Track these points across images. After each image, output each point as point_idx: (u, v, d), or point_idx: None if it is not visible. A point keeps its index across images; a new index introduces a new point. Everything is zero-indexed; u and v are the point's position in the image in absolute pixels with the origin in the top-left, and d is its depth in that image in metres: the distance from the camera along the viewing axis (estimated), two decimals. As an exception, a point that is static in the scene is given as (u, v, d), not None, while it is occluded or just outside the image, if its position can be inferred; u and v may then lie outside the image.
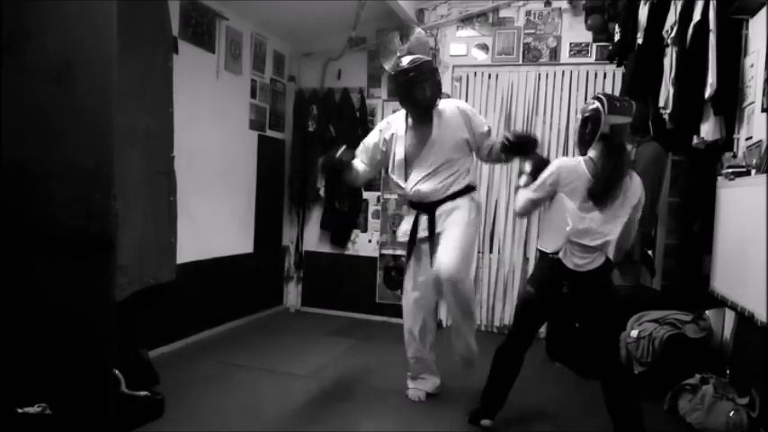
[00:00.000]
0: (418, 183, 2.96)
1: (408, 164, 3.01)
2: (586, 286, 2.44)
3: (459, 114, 2.98)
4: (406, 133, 3.03)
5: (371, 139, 3.15)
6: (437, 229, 2.93)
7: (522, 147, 2.79)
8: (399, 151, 3.02)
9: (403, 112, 3.08)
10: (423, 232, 2.98)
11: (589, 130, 2.43)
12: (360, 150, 3.15)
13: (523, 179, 2.69)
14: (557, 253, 2.45)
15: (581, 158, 2.46)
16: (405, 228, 3.09)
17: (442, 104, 3.01)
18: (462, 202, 2.96)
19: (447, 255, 2.80)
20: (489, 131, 3.06)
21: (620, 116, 2.39)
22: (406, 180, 3.01)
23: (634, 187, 2.43)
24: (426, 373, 3.16)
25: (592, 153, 2.43)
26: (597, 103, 2.41)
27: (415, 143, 3.00)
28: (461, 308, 2.93)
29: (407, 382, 3.17)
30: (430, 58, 3.06)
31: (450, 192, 2.94)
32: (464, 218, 2.91)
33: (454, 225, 2.89)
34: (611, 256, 2.43)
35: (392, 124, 3.10)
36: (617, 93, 4.22)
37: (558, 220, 2.46)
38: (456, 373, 3.31)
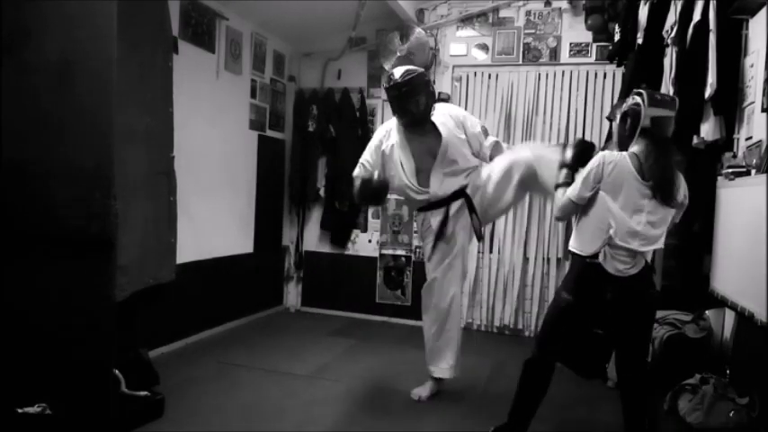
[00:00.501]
0: (440, 186, 3.04)
1: (420, 170, 3.07)
2: (628, 292, 2.25)
3: (452, 118, 3.07)
4: (407, 143, 3.07)
5: (374, 144, 3.16)
6: (449, 229, 3.06)
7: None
8: (407, 160, 3.06)
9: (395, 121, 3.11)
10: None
11: (629, 125, 2.28)
12: (366, 158, 3.14)
13: (563, 174, 2.44)
14: (595, 256, 2.25)
15: (624, 153, 2.25)
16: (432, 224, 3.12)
17: (436, 112, 3.08)
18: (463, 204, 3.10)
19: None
20: (485, 130, 3.14)
21: (661, 109, 2.24)
22: (422, 185, 3.06)
23: (680, 183, 2.27)
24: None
25: (635, 148, 2.25)
26: (637, 98, 2.26)
27: (423, 149, 3.05)
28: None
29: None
30: (422, 70, 3.06)
31: (458, 190, 3.07)
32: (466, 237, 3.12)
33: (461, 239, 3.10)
34: (648, 260, 2.29)
35: (390, 135, 3.12)
36: (617, 93, 4.22)
37: (597, 221, 2.25)
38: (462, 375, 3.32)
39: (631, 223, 2.19)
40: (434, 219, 3.12)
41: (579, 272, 2.35)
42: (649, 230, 2.20)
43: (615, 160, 2.22)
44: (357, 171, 3.10)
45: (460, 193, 3.08)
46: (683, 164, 2.39)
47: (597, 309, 2.32)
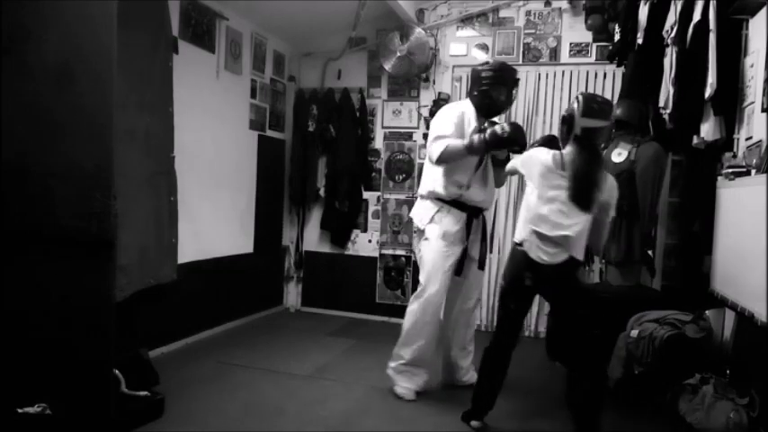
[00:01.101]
0: (480, 187, 3.04)
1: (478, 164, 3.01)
2: (547, 281, 2.47)
3: None
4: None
5: (453, 121, 2.98)
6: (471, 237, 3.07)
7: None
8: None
9: (468, 108, 3.02)
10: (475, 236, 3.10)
11: (564, 130, 2.49)
12: (447, 131, 2.96)
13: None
14: (522, 244, 2.49)
15: (555, 151, 2.50)
16: (451, 228, 3.03)
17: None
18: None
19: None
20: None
21: (593, 119, 2.40)
22: (469, 181, 3.00)
23: (605, 187, 2.44)
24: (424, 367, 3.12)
25: (567, 149, 2.48)
26: (574, 105, 2.45)
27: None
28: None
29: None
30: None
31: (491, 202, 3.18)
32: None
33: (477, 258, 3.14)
34: (576, 256, 2.42)
35: (470, 121, 3.00)
36: (617, 93, 4.23)
37: (525, 211, 2.53)
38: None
39: (544, 209, 2.41)
40: (460, 226, 3.04)
41: (510, 257, 2.61)
42: (559, 218, 2.39)
43: (542, 159, 2.48)
44: (442, 146, 2.87)
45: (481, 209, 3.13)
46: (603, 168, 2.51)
47: (526, 293, 2.54)
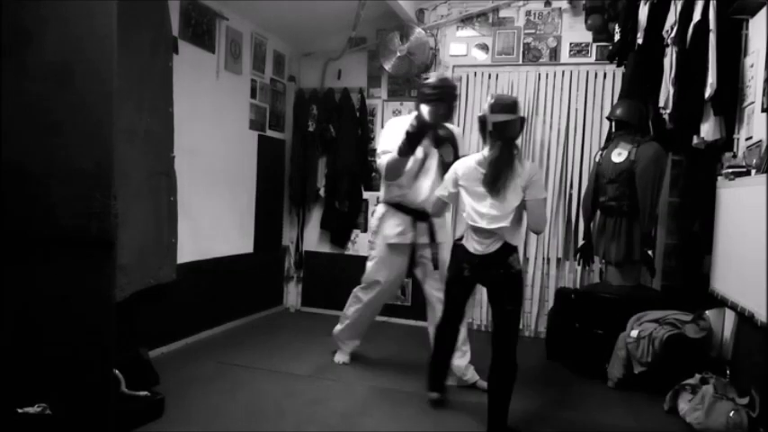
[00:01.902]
0: (421, 189, 3.24)
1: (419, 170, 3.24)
2: (485, 269, 2.69)
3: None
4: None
5: (393, 135, 3.24)
6: (437, 239, 3.26)
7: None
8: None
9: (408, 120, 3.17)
10: (423, 239, 3.27)
11: (480, 129, 2.74)
12: (393, 146, 3.19)
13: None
14: (461, 239, 2.77)
15: (476, 154, 2.75)
16: (395, 230, 3.31)
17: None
18: (444, 221, 3.37)
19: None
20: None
21: (500, 114, 2.63)
22: (408, 182, 3.25)
23: (524, 172, 2.62)
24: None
25: (486, 148, 2.71)
26: (485, 105, 2.70)
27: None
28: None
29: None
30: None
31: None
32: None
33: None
34: (510, 242, 2.65)
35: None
36: (617, 93, 4.23)
37: (462, 210, 2.77)
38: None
39: (478, 207, 2.65)
40: (402, 228, 3.30)
41: (452, 252, 2.87)
42: (492, 210, 2.62)
43: (465, 164, 2.74)
44: (385, 161, 3.15)
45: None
46: (519, 157, 2.71)
47: (465, 281, 2.78)
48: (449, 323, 2.93)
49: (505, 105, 2.65)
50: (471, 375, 3.26)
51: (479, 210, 2.65)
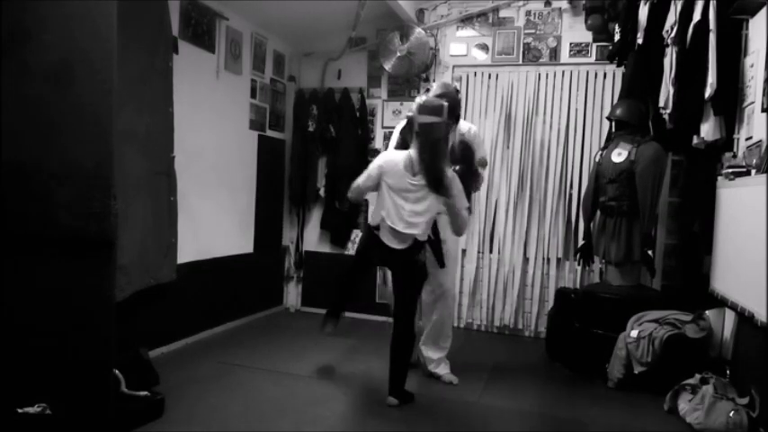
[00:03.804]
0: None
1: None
2: (395, 260, 2.87)
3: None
4: None
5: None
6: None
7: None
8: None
9: None
10: None
11: (408, 130, 2.84)
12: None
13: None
14: (377, 228, 2.87)
15: (404, 152, 2.83)
16: None
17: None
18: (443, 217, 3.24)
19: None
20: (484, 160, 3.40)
21: (426, 116, 2.72)
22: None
23: (448, 179, 2.73)
24: None
25: (412, 148, 2.79)
26: (413, 106, 2.79)
27: None
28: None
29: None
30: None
31: None
32: None
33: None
34: (420, 238, 2.81)
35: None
36: (617, 93, 4.23)
37: (381, 201, 2.87)
38: (462, 375, 3.33)
39: (398, 209, 2.76)
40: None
41: (366, 235, 3.01)
42: (413, 217, 2.75)
43: (393, 159, 2.81)
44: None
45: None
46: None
47: (371, 262, 3.10)
48: (352, 271, 3.19)
49: (432, 108, 2.74)
50: (442, 368, 3.37)
51: (399, 212, 2.78)
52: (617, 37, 3.81)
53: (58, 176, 1.69)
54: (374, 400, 3.06)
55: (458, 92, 3.32)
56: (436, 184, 2.71)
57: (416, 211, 2.76)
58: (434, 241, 3.20)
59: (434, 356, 3.36)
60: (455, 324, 4.62)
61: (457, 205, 2.78)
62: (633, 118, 3.63)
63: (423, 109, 2.75)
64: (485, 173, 4.56)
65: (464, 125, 3.35)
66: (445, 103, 2.78)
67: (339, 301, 3.32)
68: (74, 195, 1.71)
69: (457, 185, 2.78)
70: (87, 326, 1.76)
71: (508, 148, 4.56)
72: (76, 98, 1.72)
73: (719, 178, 3.07)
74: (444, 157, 2.76)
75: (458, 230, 2.90)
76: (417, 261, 2.88)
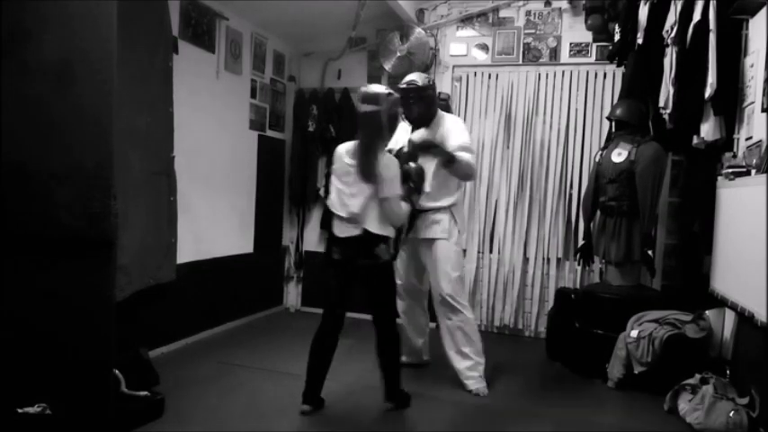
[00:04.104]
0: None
1: None
2: (353, 252, 2.76)
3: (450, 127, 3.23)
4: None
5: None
6: (416, 235, 3.25)
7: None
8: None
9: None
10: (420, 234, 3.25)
11: (355, 119, 2.87)
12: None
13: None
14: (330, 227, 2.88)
15: (351, 142, 2.83)
16: None
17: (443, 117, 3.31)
18: (443, 216, 3.23)
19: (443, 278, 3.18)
20: (463, 147, 3.11)
21: (366, 105, 2.73)
22: None
23: (384, 165, 2.69)
24: None
25: (357, 137, 2.80)
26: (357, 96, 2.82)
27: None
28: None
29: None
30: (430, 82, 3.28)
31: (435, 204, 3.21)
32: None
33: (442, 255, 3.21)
34: (371, 229, 2.70)
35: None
36: (617, 93, 4.23)
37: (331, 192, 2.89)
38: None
39: (340, 195, 2.76)
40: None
41: (327, 238, 2.95)
42: (349, 199, 2.73)
43: (344, 145, 2.83)
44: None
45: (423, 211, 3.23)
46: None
47: (335, 267, 2.84)
48: (329, 322, 2.93)
49: (370, 97, 2.74)
50: (473, 382, 3.19)
51: (340, 197, 2.77)
52: (617, 37, 3.81)
53: (58, 176, 1.69)
54: (374, 399, 3.06)
55: (431, 83, 3.27)
56: (363, 168, 2.69)
57: (352, 192, 2.73)
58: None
59: (459, 366, 3.22)
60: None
61: (384, 192, 2.67)
62: (633, 118, 3.63)
63: (363, 98, 2.76)
64: (483, 174, 4.59)
65: (448, 116, 3.35)
66: (384, 91, 2.78)
67: (313, 378, 2.86)
68: (74, 195, 1.71)
69: (391, 171, 2.72)
70: (87, 326, 1.76)
71: (508, 148, 4.56)
72: (76, 98, 1.72)
73: (719, 178, 3.07)
74: (380, 145, 2.76)
75: (388, 219, 2.74)
76: (378, 257, 2.75)
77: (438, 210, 3.21)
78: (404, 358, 3.32)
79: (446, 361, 3.27)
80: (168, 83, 3.05)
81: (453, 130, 3.18)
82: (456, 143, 3.07)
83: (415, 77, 3.24)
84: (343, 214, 2.76)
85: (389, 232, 2.79)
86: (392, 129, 2.88)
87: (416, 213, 3.16)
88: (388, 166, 2.72)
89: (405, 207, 2.82)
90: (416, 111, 3.21)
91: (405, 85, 3.20)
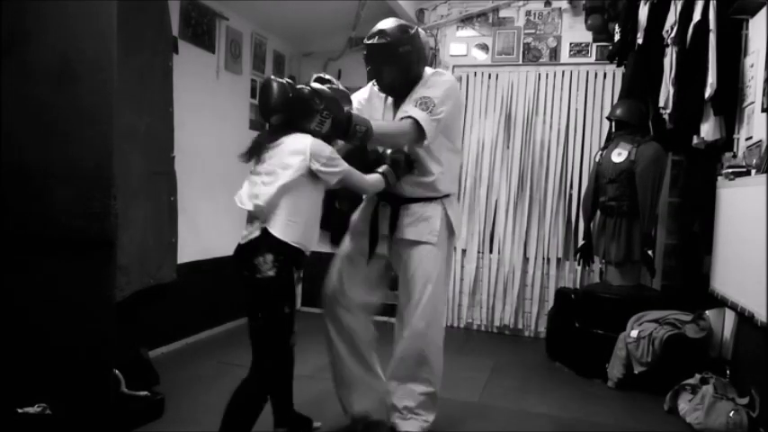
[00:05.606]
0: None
1: None
2: (239, 258, 2.19)
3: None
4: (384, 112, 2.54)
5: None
6: (397, 234, 2.55)
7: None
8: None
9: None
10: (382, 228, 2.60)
11: None
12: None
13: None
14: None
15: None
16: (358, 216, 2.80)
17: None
18: (434, 212, 2.46)
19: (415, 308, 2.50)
20: (422, 101, 2.34)
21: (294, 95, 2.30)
22: None
23: (305, 147, 2.19)
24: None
25: None
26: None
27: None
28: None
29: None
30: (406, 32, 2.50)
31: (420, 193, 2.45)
32: (433, 252, 2.44)
33: (422, 264, 2.47)
34: (272, 230, 2.10)
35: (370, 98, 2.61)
36: (617, 93, 4.23)
37: None
38: (462, 375, 3.32)
39: (253, 183, 2.28)
40: (362, 216, 2.85)
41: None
42: (254, 188, 2.26)
43: None
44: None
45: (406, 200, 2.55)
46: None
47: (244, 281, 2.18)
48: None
49: (295, 89, 2.28)
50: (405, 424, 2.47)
51: (251, 188, 2.27)
52: (617, 37, 3.82)
53: (58, 176, 1.69)
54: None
55: (411, 35, 2.52)
56: (250, 153, 2.40)
57: (263, 181, 2.32)
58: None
59: (399, 404, 2.53)
60: (455, 324, 4.65)
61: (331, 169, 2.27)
62: (633, 118, 3.63)
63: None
64: (483, 174, 4.59)
65: (434, 74, 2.50)
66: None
67: (280, 405, 2.49)
68: (74, 195, 1.71)
69: (307, 148, 2.23)
70: (87, 326, 1.76)
71: (508, 148, 4.56)
72: (77, 98, 1.72)
73: (719, 178, 3.08)
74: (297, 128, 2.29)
75: (360, 190, 2.37)
76: (257, 269, 2.11)
77: (430, 200, 2.46)
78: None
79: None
80: (168, 83, 3.05)
81: (427, 86, 2.40)
82: (416, 95, 2.34)
83: (385, 26, 2.45)
84: (249, 208, 2.20)
85: (298, 242, 2.14)
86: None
87: (399, 207, 2.53)
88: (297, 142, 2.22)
89: (371, 178, 2.39)
90: (388, 76, 2.42)
91: (368, 41, 2.43)
